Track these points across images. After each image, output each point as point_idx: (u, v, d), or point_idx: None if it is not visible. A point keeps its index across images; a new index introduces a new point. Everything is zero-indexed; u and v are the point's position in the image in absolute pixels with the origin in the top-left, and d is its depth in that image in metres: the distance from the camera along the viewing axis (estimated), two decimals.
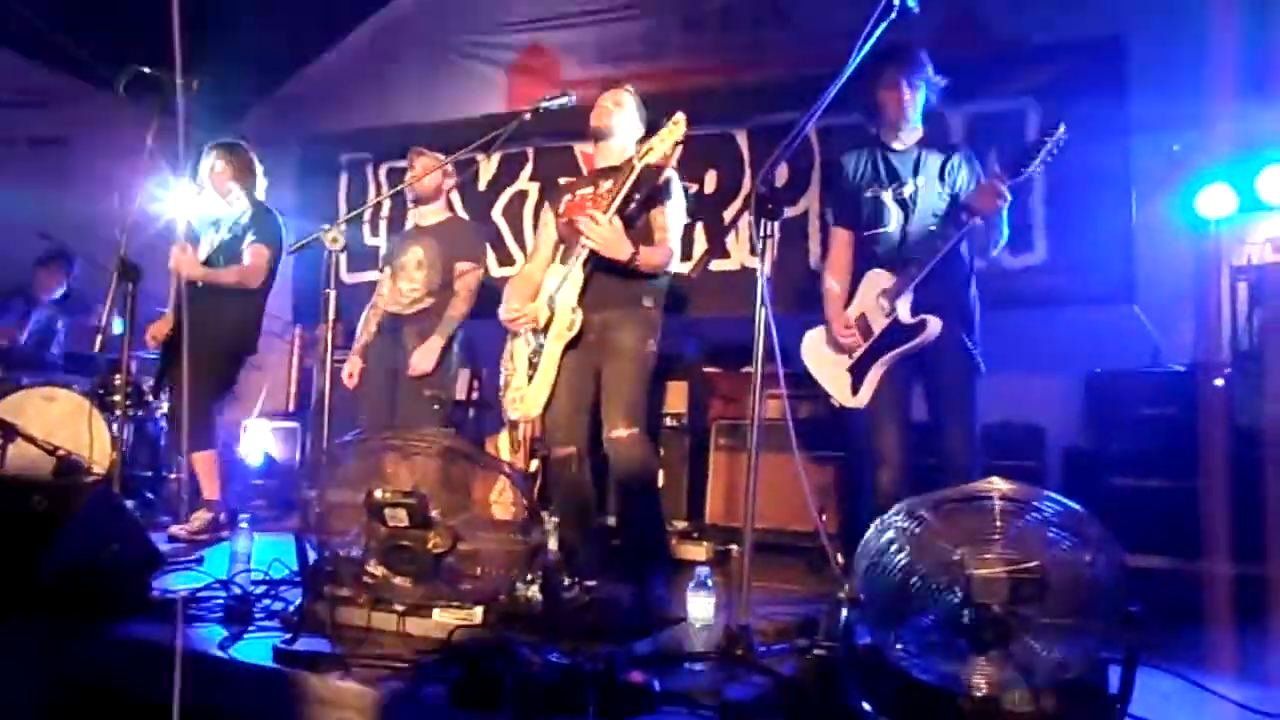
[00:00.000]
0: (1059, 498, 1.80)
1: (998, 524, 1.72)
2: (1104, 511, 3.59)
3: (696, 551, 4.19)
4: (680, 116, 3.09)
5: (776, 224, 2.40)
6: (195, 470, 4.35)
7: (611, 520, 3.93)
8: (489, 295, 5.31)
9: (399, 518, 2.24)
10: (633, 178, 3.10)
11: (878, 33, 2.51)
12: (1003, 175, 3.00)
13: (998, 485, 1.77)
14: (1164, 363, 4.10)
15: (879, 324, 3.19)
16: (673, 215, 3.29)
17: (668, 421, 4.63)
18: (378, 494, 2.25)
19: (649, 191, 3.18)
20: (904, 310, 3.12)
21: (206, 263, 4.31)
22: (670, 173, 3.28)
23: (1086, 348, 4.19)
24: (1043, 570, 1.70)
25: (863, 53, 2.52)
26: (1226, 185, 4.29)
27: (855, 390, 3.27)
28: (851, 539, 4.05)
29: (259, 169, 4.49)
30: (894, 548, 1.82)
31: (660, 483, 4.23)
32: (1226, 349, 4.36)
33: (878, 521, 1.87)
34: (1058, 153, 3.01)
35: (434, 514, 2.24)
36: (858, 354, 3.26)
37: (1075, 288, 4.17)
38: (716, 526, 4.43)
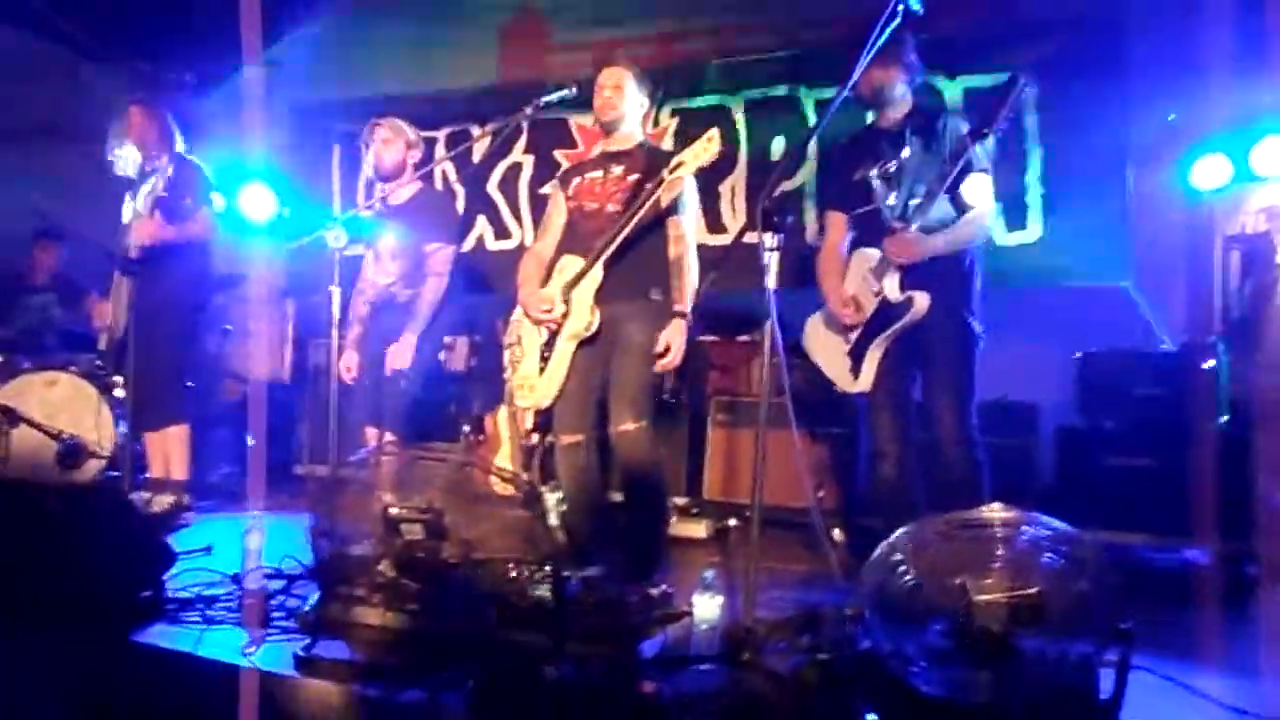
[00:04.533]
0: (1052, 521, 1.85)
1: (998, 550, 1.78)
2: (1096, 490, 3.77)
3: (695, 529, 4.28)
4: (714, 133, 3.05)
5: (780, 237, 2.42)
6: (166, 448, 4.39)
7: (618, 497, 3.98)
8: (485, 268, 5.36)
9: (414, 532, 2.29)
10: (659, 193, 3.11)
11: (884, 36, 2.50)
12: (907, 225, 3.02)
13: (997, 512, 1.82)
14: (1158, 340, 4.15)
15: (869, 304, 3.17)
16: (689, 220, 3.34)
17: (664, 397, 4.66)
18: (393, 510, 2.30)
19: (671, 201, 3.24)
20: (891, 288, 3.10)
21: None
22: (689, 179, 3.28)
23: (1081, 325, 4.22)
24: (1041, 594, 1.77)
25: (870, 57, 2.51)
26: (1222, 156, 4.29)
27: (856, 375, 3.26)
28: (851, 514, 4.21)
29: (174, 125, 4.48)
30: (901, 568, 1.88)
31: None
32: (1219, 319, 4.42)
33: (885, 543, 1.93)
34: (1020, 107, 3.01)
35: (447, 526, 2.29)
36: (854, 337, 3.25)
37: (1070, 265, 4.19)
38: (715, 502, 4.50)
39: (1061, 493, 3.93)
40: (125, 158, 4.47)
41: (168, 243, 4.26)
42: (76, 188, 5.17)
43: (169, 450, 4.39)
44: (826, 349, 3.37)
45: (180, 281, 4.37)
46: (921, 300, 3.06)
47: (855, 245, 3.33)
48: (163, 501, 4.26)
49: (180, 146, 4.45)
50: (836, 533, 4.18)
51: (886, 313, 3.13)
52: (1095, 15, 4.19)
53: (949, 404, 3.14)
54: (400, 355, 3.99)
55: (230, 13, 4.67)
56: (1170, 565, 3.45)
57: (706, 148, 3.06)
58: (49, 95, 5.38)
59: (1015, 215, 4.27)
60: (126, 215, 4.40)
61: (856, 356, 3.26)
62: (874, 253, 3.17)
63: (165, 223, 4.26)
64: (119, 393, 4.40)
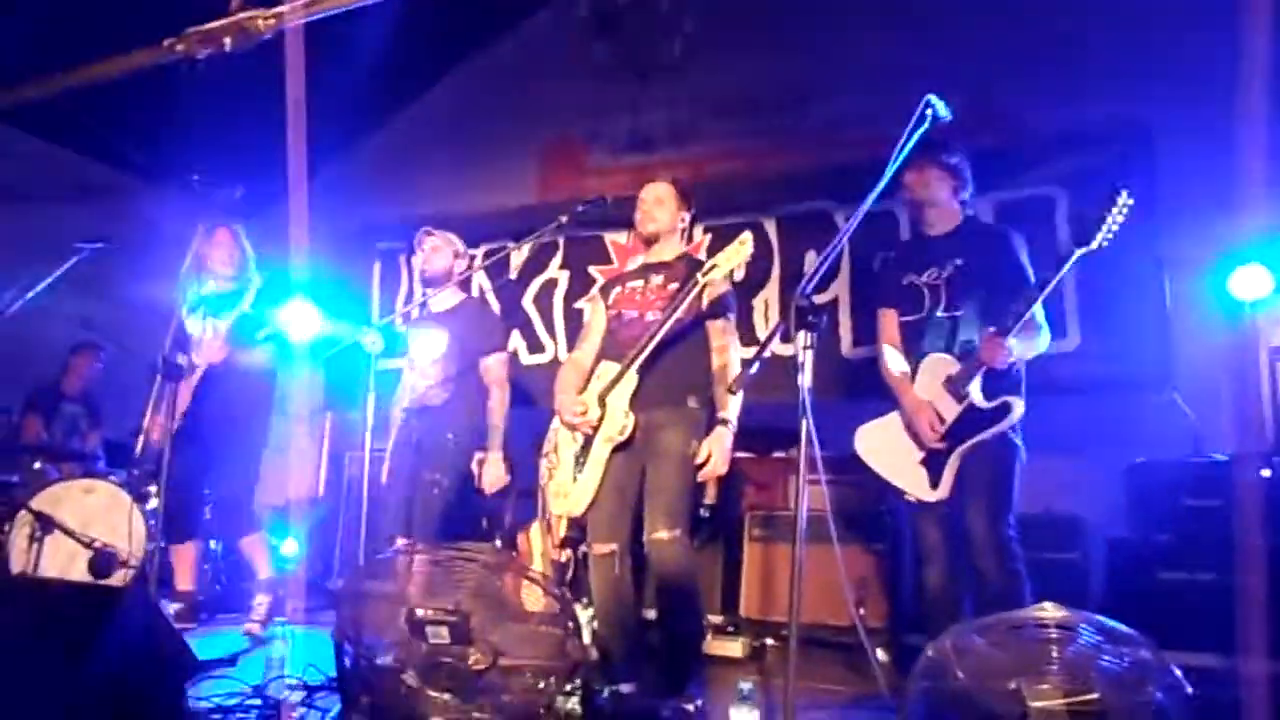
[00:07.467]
0: (1108, 621, 1.75)
1: (1053, 652, 1.68)
2: (1150, 605, 3.60)
3: (731, 647, 4.12)
4: (747, 236, 3.10)
5: (815, 335, 2.39)
6: (248, 553, 4.46)
7: (651, 614, 3.86)
8: (519, 382, 5.36)
9: (440, 635, 2.22)
10: (693, 294, 3.13)
11: (912, 141, 2.54)
12: (1000, 330, 2.99)
13: (1049, 612, 1.73)
14: (1205, 449, 4.03)
15: (951, 411, 3.09)
16: (732, 329, 3.33)
17: (701, 512, 4.57)
18: (419, 612, 2.23)
19: (709, 307, 3.25)
20: (979, 395, 3.05)
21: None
22: (728, 287, 3.31)
23: (1125, 435, 4.14)
24: (1102, 701, 1.66)
25: (898, 162, 2.55)
26: (1260, 266, 4.25)
27: (934, 484, 3.14)
28: (896, 631, 4.04)
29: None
30: (948, 673, 1.78)
31: None
32: (1270, 431, 4.29)
33: (930, 647, 1.83)
34: (1124, 219, 2.97)
35: (474, 629, 2.22)
36: (930, 444, 3.14)
37: (1111, 374, 4.14)
38: (752, 620, 4.34)
39: (1114, 608, 3.73)
40: (209, 273, 4.51)
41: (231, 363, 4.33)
42: (119, 300, 5.31)
43: (254, 554, 4.45)
44: (894, 456, 3.25)
45: (250, 399, 4.44)
46: (1019, 405, 3.00)
47: (912, 351, 3.28)
48: (265, 601, 4.32)
49: (254, 272, 4.54)
50: (880, 652, 4.00)
51: (973, 418, 3.06)
52: (1124, 126, 4.26)
53: (986, 514, 3.06)
54: (494, 475, 4.03)
55: (277, 132, 4.90)
56: (1229, 684, 3.24)
57: (739, 250, 3.09)
58: (98, 209, 5.58)
59: (1055, 324, 4.21)
60: (194, 329, 4.38)
61: (934, 464, 3.15)
62: (947, 358, 3.14)
63: (238, 346, 4.32)
64: (153, 503, 4.40)
